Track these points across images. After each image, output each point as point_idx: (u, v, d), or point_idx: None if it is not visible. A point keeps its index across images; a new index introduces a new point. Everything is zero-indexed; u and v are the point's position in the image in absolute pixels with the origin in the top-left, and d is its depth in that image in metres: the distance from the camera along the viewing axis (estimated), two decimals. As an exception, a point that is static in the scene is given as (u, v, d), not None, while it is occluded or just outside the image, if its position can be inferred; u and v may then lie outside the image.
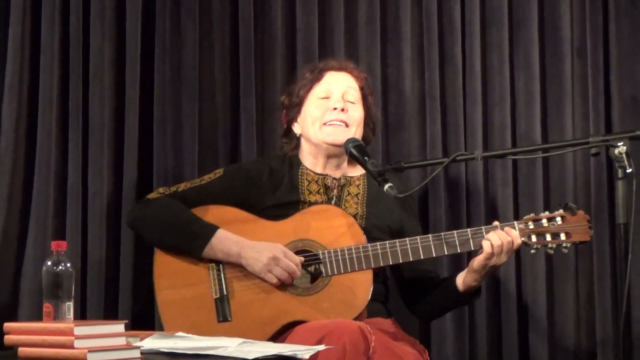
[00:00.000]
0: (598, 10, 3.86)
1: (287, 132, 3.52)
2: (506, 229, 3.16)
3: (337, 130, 3.36)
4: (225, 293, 3.24)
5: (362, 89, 3.46)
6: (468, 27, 3.90)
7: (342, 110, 3.37)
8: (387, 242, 3.21)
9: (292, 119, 3.48)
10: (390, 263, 3.20)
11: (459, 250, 3.20)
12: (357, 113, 3.41)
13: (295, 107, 3.46)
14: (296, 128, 3.48)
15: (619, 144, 2.91)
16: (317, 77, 3.45)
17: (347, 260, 3.20)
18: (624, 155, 2.89)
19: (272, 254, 3.19)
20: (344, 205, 3.36)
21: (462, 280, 3.25)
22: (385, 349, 2.98)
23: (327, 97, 3.41)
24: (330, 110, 3.38)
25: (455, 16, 3.89)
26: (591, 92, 3.84)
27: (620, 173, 2.89)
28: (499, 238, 3.12)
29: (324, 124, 3.37)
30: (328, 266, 3.21)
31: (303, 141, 3.47)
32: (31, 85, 3.80)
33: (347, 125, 3.37)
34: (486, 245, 3.12)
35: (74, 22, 3.81)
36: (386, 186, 3.07)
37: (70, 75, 3.80)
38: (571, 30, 3.88)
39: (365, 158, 3.19)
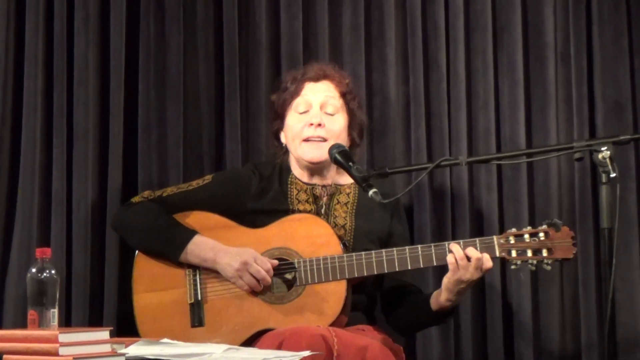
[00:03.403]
0: (581, 16, 3.86)
1: (276, 137, 3.51)
2: (470, 250, 3.12)
3: (314, 147, 3.35)
4: (199, 298, 3.26)
5: (343, 95, 3.43)
6: (452, 33, 3.90)
7: (319, 125, 3.35)
8: (362, 253, 3.21)
9: (279, 129, 3.48)
10: (365, 274, 3.20)
11: (434, 263, 3.20)
12: (336, 125, 3.39)
13: (279, 119, 3.46)
14: (282, 137, 3.47)
15: (602, 148, 2.91)
16: (296, 90, 3.42)
17: (322, 269, 3.20)
18: (607, 160, 2.89)
19: (243, 259, 3.20)
20: (333, 214, 3.36)
21: (436, 299, 3.24)
22: (349, 349, 2.98)
23: (306, 112, 3.39)
24: (308, 126, 3.36)
25: (439, 21, 3.89)
26: (575, 97, 3.85)
27: (604, 178, 2.89)
28: (462, 251, 3.10)
29: (303, 140, 3.36)
30: (302, 275, 3.22)
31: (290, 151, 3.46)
32: (15, 92, 3.79)
33: (325, 140, 3.35)
34: (449, 257, 3.12)
35: (58, 28, 3.80)
36: (370, 192, 3.04)
37: (54, 81, 3.80)
38: (555, 35, 3.89)
39: (350, 164, 3.16)
